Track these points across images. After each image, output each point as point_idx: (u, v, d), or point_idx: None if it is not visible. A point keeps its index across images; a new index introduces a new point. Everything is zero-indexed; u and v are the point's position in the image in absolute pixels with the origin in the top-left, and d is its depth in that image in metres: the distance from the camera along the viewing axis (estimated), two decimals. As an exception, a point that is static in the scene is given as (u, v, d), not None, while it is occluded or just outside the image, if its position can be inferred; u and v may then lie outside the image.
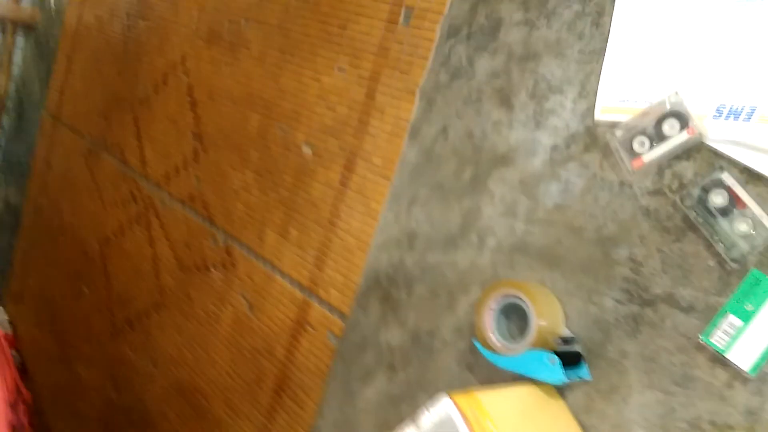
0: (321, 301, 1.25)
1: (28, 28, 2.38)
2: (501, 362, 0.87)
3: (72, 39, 2.15)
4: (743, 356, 0.74)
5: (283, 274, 1.34)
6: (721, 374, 0.77)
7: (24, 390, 1.41)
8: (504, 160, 0.99)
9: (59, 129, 2.16)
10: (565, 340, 0.87)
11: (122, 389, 1.79)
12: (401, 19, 1.16)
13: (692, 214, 0.79)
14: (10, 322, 2.37)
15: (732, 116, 0.77)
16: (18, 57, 2.41)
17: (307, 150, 1.31)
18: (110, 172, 1.88)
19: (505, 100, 1.00)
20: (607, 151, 0.88)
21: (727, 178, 0.77)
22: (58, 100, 2.20)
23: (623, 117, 0.85)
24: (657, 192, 0.84)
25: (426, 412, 0.74)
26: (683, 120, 0.79)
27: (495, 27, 1.02)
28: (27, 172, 2.35)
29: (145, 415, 1.70)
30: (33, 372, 2.22)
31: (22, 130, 2.41)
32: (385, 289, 1.14)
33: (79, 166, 2.03)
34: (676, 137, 0.80)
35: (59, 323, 2.10)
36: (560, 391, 0.89)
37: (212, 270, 1.51)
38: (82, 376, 1.97)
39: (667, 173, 0.83)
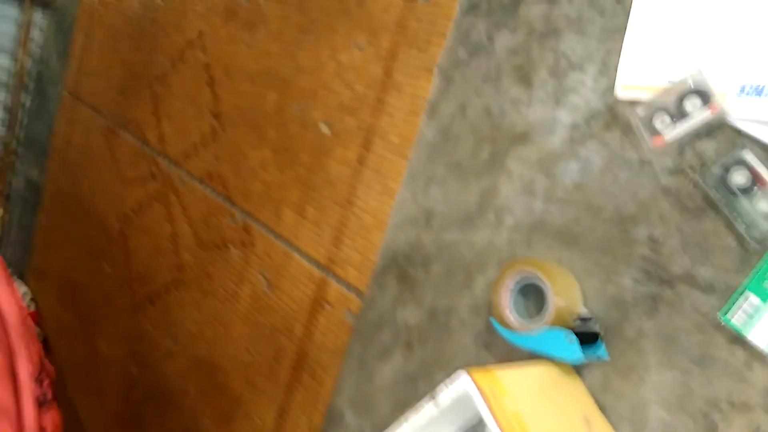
0: (338, 279, 1.26)
1: (45, 4, 2.39)
2: (518, 341, 0.87)
3: (89, 15, 2.16)
4: (762, 336, 0.74)
5: (300, 252, 1.35)
6: (740, 354, 0.77)
7: (48, 364, 1.44)
8: (522, 138, 0.99)
9: (78, 106, 2.18)
10: (583, 320, 0.87)
11: (143, 365, 1.82)
12: (420, -5, 1.15)
13: (713, 193, 0.79)
14: (33, 299, 2.41)
15: (755, 94, 0.76)
16: (36, 34, 2.42)
17: (324, 128, 1.31)
18: (129, 150, 1.89)
19: (525, 77, 0.99)
20: (627, 129, 0.87)
21: (748, 156, 0.76)
22: (76, 77, 2.21)
23: (644, 94, 0.84)
24: (677, 170, 0.83)
25: (444, 389, 0.75)
26: (705, 98, 0.78)
27: (515, 3, 1.01)
28: (47, 150, 2.37)
29: (165, 390, 1.73)
30: (55, 347, 2.26)
31: (41, 107, 2.43)
32: (402, 268, 1.14)
33: (98, 144, 2.04)
34: (698, 115, 0.79)
35: (80, 299, 2.13)
36: (577, 370, 0.89)
37: (231, 248, 1.52)
38: (103, 352, 2.01)
39: (688, 151, 0.82)
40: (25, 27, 2.37)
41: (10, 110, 2.47)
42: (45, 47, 2.43)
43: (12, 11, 2.33)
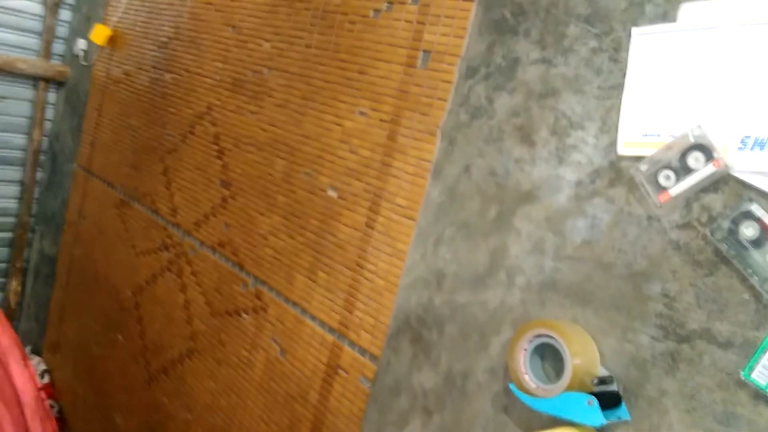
0: (352, 343, 1.25)
1: (58, 84, 2.47)
2: (537, 405, 0.86)
3: (101, 93, 2.22)
4: (788, 392, 0.72)
5: (313, 317, 1.34)
6: (765, 411, 0.75)
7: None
8: (528, 197, 0.99)
9: (91, 180, 2.22)
10: (602, 380, 0.85)
11: (159, 437, 1.80)
12: (419, 62, 1.17)
13: (723, 247, 0.78)
14: (48, 372, 2.41)
15: (757, 147, 0.76)
16: (50, 113, 2.50)
17: (332, 193, 1.33)
18: (142, 221, 1.92)
19: (527, 137, 1.00)
20: (632, 186, 0.87)
21: (756, 209, 0.75)
22: (89, 152, 2.26)
23: (647, 151, 0.85)
24: (686, 225, 0.83)
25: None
26: (708, 152, 0.79)
27: (512, 66, 1.03)
28: (61, 224, 2.41)
29: (182, 462, 1.70)
30: (71, 420, 2.24)
31: (55, 183, 2.48)
32: (415, 331, 1.13)
33: (111, 216, 2.07)
34: (701, 170, 0.79)
35: (95, 372, 2.12)
36: (599, 431, 0.87)
37: (243, 315, 1.52)
38: (119, 425, 1.98)
39: (696, 206, 0.82)
40: (40, 106, 2.44)
41: (25, 187, 2.52)
42: (58, 125, 2.50)
43: (27, 92, 2.42)
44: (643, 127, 0.86)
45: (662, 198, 0.83)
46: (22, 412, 1.36)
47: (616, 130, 0.89)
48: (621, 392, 0.85)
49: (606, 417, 0.81)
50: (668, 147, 0.82)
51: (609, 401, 0.83)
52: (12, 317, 2.62)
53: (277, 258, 1.44)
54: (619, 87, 0.89)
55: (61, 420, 2.26)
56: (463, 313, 1.06)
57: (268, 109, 1.51)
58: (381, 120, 1.23)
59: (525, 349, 0.90)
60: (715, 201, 0.80)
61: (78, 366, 2.25)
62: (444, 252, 1.10)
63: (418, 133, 1.16)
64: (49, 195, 2.54)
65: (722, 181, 0.79)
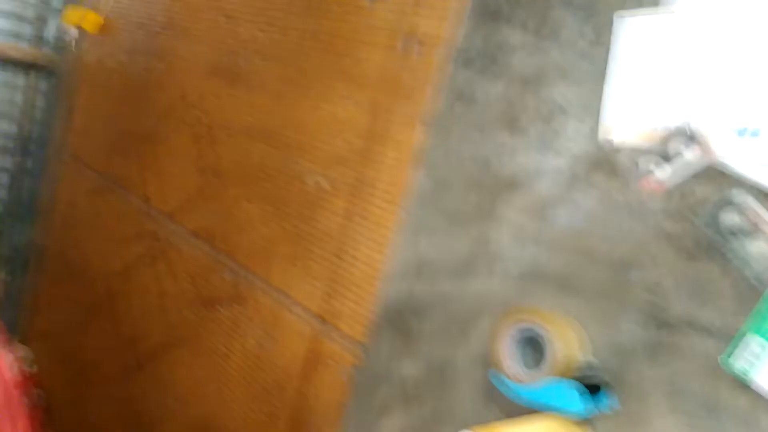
0: (333, 333, 1.24)
1: (48, 71, 2.43)
2: (519, 393, 0.85)
3: (90, 80, 2.18)
4: (767, 378, 0.72)
5: (294, 306, 1.33)
6: (745, 398, 0.75)
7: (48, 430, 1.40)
8: (513, 184, 0.98)
9: (77, 168, 2.18)
10: (586, 368, 0.85)
11: (136, 429, 1.77)
12: (406, 48, 1.16)
13: (708, 235, 0.78)
14: (33, 361, 2.37)
15: (744, 135, 0.76)
16: (40, 101, 2.46)
17: (316, 180, 1.31)
18: (121, 209, 1.88)
19: (511, 123, 0.99)
20: (616, 173, 0.86)
21: (741, 197, 0.75)
22: (77, 140, 2.22)
23: (633, 137, 0.84)
24: (671, 213, 0.82)
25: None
26: (695, 140, 0.78)
27: (500, 51, 1.02)
28: (38, 211, 2.37)
29: (160, 453, 1.68)
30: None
31: (42, 170, 2.44)
32: (397, 319, 1.12)
33: (89, 203, 2.04)
34: (686, 157, 0.79)
35: (73, 363, 2.09)
36: (582, 420, 0.86)
37: (223, 304, 1.50)
38: (95, 417, 1.96)
39: (679, 194, 0.81)
40: (30, 94, 2.40)
41: (13, 175, 2.47)
42: (47, 112, 2.45)
43: (18, 80, 2.38)
44: (630, 113, 0.85)
45: (646, 185, 0.82)
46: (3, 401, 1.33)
47: (603, 116, 0.88)
48: (603, 381, 0.85)
49: (589, 404, 0.81)
50: (654, 134, 0.82)
51: (592, 389, 0.82)
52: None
53: (260, 245, 1.42)
54: (605, 73, 0.88)
55: (41, 409, 2.22)
56: (445, 302, 1.05)
57: (253, 95, 1.49)
58: (366, 106, 1.21)
59: (507, 337, 0.89)
60: (701, 189, 0.80)
61: (53, 356, 2.21)
62: (427, 240, 1.09)
63: (404, 119, 1.15)
64: (36, 183, 2.50)
65: (708, 169, 0.79)
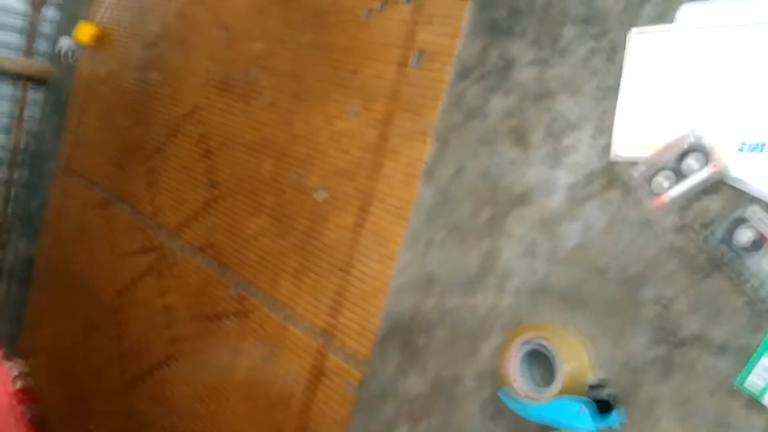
0: (337, 349, 1.23)
1: (40, 82, 2.43)
2: (528, 412, 0.84)
3: (85, 91, 2.19)
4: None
5: (298, 321, 1.31)
6: (758, 419, 0.73)
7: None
8: (522, 199, 0.98)
9: (72, 180, 2.18)
10: (594, 386, 0.83)
11: (135, 444, 1.75)
12: (413, 62, 1.16)
13: (719, 252, 0.77)
14: (23, 376, 2.35)
15: (755, 150, 0.75)
16: (32, 111, 2.45)
17: (321, 194, 1.30)
18: (124, 222, 1.88)
19: (521, 138, 0.99)
20: (628, 189, 0.86)
21: (752, 214, 0.74)
22: (71, 151, 2.22)
23: (643, 153, 0.83)
24: (681, 229, 0.81)
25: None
26: (705, 155, 0.78)
27: (507, 66, 1.02)
28: (40, 225, 2.36)
29: (158, 470, 1.65)
30: (47, 426, 2.18)
31: (35, 182, 2.44)
32: (403, 335, 1.11)
33: (93, 217, 2.03)
34: (698, 173, 0.78)
35: (71, 376, 2.07)
36: (591, 438, 0.85)
37: (226, 319, 1.49)
38: (94, 431, 1.93)
39: (691, 210, 0.81)
40: (20, 105, 2.40)
41: (4, 185, 2.47)
42: (40, 123, 2.45)
43: (8, 90, 2.37)
44: (640, 129, 0.85)
45: (658, 201, 0.82)
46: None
47: (613, 132, 0.88)
48: (614, 398, 0.83)
49: (598, 423, 0.79)
50: (665, 149, 0.81)
51: (601, 407, 0.81)
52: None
53: (264, 260, 1.41)
54: (615, 88, 0.88)
55: (38, 424, 2.19)
56: (452, 318, 1.04)
57: (258, 109, 1.49)
58: (373, 120, 1.21)
59: (516, 355, 0.88)
60: (712, 205, 0.79)
61: (53, 370, 2.19)
62: (435, 255, 1.08)
63: (411, 133, 1.15)
64: (28, 195, 2.49)
65: (719, 185, 0.78)
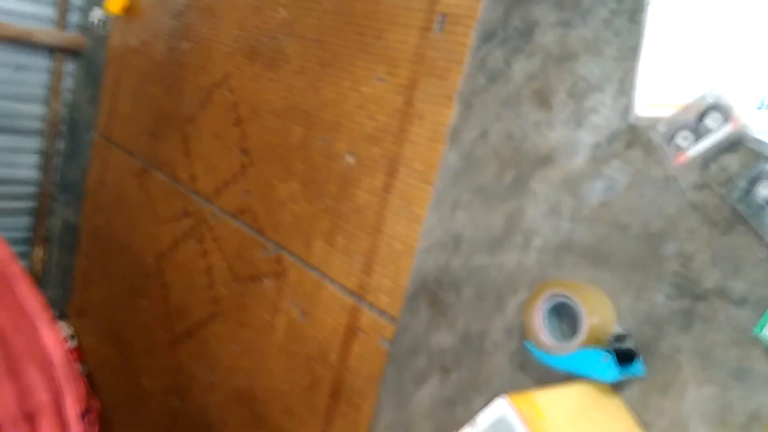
0: (370, 306, 1.28)
1: (74, 54, 2.48)
2: (554, 362, 0.88)
3: (118, 62, 2.24)
4: (800, 348, 0.73)
5: (332, 281, 1.37)
6: (778, 367, 0.77)
7: (93, 400, 1.49)
8: (546, 160, 1.00)
9: (111, 149, 2.25)
10: (618, 338, 0.87)
11: (184, 398, 1.85)
12: (436, 26, 1.17)
13: (740, 207, 0.79)
14: (74, 336, 2.47)
15: (776, 106, 0.76)
16: (68, 83, 2.52)
17: (349, 159, 1.34)
18: (162, 189, 1.95)
19: (544, 100, 1.01)
20: (650, 147, 0.88)
21: (774, 169, 0.76)
22: (107, 121, 2.29)
23: (665, 112, 0.85)
24: (703, 186, 0.83)
25: (483, 415, 0.76)
26: (726, 113, 0.79)
27: (530, 29, 1.03)
28: (82, 193, 2.44)
29: (206, 422, 1.75)
30: (98, 382, 2.31)
31: (75, 152, 2.51)
32: (433, 293, 1.16)
33: (132, 185, 2.10)
34: (719, 130, 0.80)
35: (121, 336, 2.18)
36: (615, 388, 0.89)
37: (264, 279, 1.56)
38: (145, 386, 2.04)
39: (713, 167, 0.83)
40: (57, 76, 2.46)
41: (45, 156, 2.55)
42: (77, 94, 2.52)
43: (43, 62, 2.43)
44: (661, 89, 0.86)
45: (680, 159, 0.83)
46: (54, 373, 1.41)
47: (635, 92, 0.89)
48: (636, 349, 0.87)
49: (621, 373, 0.83)
50: (686, 108, 0.83)
51: (624, 358, 0.85)
52: (38, 284, 2.68)
53: (296, 223, 1.47)
54: (637, 49, 0.89)
55: (90, 382, 2.32)
56: (479, 275, 1.08)
57: (286, 76, 1.52)
58: (398, 85, 1.24)
59: (541, 309, 0.92)
60: (732, 161, 0.81)
61: (103, 330, 2.31)
62: (461, 216, 1.12)
63: (435, 97, 1.17)
64: (70, 164, 2.57)
65: (739, 142, 0.80)
